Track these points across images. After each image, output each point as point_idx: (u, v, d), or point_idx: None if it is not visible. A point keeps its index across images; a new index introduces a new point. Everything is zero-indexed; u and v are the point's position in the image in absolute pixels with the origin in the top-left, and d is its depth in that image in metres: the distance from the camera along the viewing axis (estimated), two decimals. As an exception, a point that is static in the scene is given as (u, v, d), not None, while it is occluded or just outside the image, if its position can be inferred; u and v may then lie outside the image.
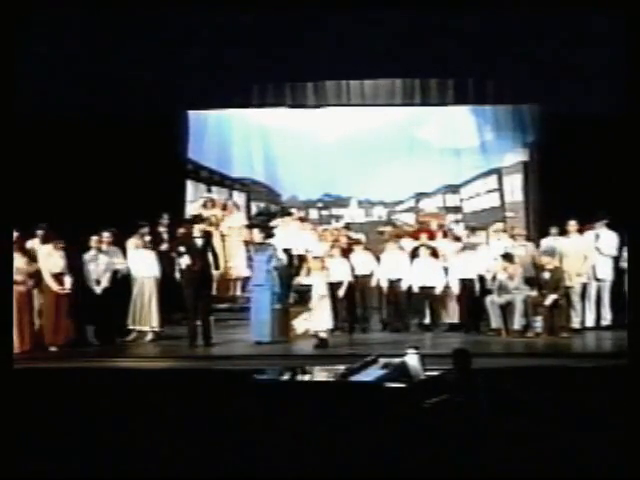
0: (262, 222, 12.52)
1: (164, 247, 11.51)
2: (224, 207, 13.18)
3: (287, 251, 11.33)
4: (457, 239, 11.79)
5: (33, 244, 10.58)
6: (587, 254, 10.91)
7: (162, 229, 11.88)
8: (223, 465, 5.33)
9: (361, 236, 12.23)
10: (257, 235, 10.97)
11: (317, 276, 10.23)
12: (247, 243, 12.17)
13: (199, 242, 10.38)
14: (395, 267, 11.17)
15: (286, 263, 11.14)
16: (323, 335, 10.03)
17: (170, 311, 11.21)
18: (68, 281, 10.09)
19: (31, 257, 10.15)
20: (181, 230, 11.51)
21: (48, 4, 11.12)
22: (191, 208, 13.36)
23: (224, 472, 5.25)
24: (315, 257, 10.66)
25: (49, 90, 11.82)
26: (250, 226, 12.19)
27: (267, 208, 13.99)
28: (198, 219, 11.47)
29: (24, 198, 9.00)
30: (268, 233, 11.12)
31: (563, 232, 11.12)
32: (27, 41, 10.55)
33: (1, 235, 6.46)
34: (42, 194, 11.61)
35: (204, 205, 12.99)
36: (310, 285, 10.38)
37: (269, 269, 10.39)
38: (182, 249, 10.30)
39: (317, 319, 10.02)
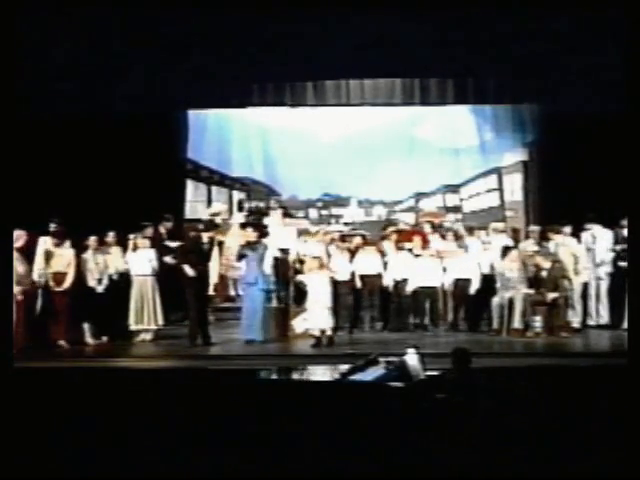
0: (254, 220, 12.45)
1: (164, 246, 11.52)
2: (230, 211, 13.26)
3: (284, 250, 11.28)
4: (457, 238, 11.82)
5: (45, 242, 10.57)
6: (576, 254, 10.92)
7: (162, 229, 11.90)
8: (223, 465, 5.32)
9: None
10: (251, 234, 10.95)
11: (315, 275, 10.23)
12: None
13: (205, 247, 10.43)
14: (398, 267, 11.21)
15: (279, 262, 11.11)
16: (320, 334, 10.03)
17: (169, 310, 11.21)
18: (69, 280, 10.13)
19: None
20: (190, 234, 11.42)
21: (48, 4, 11.12)
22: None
23: (224, 472, 5.24)
24: (314, 257, 10.67)
25: (48, 90, 11.82)
26: (243, 225, 12.16)
27: (257, 207, 13.94)
28: (210, 226, 11.44)
29: (24, 198, 8.97)
30: (261, 232, 11.07)
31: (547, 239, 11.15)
32: (27, 41, 10.55)
33: (1, 235, 6.45)
34: (42, 194, 11.60)
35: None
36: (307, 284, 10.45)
37: (261, 268, 10.39)
38: (188, 258, 10.32)
39: (314, 318, 10.03)
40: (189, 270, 10.16)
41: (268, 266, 10.52)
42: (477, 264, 11.10)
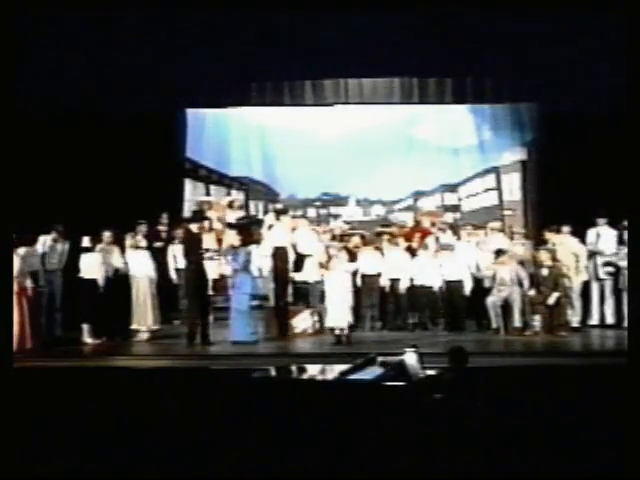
0: (242, 224, 12.38)
1: (162, 246, 11.51)
2: (230, 205, 13.21)
3: (282, 249, 11.22)
4: (455, 233, 11.86)
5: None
6: (577, 253, 10.92)
7: (160, 228, 11.89)
8: (221, 465, 5.32)
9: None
10: (235, 237, 10.87)
11: (336, 274, 10.23)
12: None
13: (198, 239, 10.40)
14: (396, 266, 11.21)
15: (278, 262, 11.08)
16: (341, 332, 10.05)
17: (168, 310, 11.19)
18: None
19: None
20: (179, 231, 11.42)
21: (48, 4, 11.11)
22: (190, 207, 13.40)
23: (222, 472, 5.25)
24: (334, 256, 10.74)
25: (48, 89, 11.81)
26: (230, 225, 12.14)
27: (250, 213, 13.90)
28: (198, 216, 11.44)
29: (23, 198, 8.98)
30: (246, 236, 11.05)
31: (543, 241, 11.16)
32: (27, 41, 10.55)
33: (1, 235, 6.45)
34: (40, 193, 11.59)
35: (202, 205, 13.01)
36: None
37: (245, 272, 10.38)
38: (185, 253, 10.32)
39: (336, 317, 10.03)
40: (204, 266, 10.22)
41: (256, 269, 10.51)
42: (471, 264, 11.11)
